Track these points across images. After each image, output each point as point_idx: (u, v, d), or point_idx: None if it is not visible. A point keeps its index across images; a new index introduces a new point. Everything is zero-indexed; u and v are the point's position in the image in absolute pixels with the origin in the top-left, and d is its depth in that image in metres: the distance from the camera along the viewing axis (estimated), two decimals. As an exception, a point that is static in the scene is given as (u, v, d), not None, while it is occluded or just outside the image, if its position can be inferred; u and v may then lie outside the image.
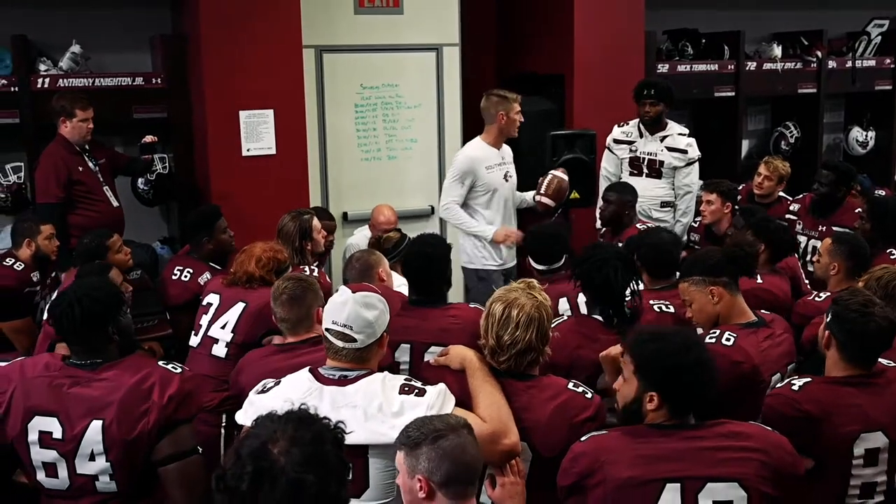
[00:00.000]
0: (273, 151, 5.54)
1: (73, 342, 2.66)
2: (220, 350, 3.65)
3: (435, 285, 3.34)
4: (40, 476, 2.62)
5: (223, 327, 3.64)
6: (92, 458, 2.57)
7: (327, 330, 2.56)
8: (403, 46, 6.06)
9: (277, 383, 2.58)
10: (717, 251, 3.46)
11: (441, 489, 2.10)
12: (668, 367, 2.31)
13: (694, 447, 2.26)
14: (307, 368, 2.57)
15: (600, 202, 5.74)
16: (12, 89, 5.26)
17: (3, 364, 2.75)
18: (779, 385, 2.77)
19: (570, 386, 2.65)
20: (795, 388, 2.67)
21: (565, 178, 5.23)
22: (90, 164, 5.09)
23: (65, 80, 5.36)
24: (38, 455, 2.59)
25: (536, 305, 2.58)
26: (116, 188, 5.28)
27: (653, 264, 3.66)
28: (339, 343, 2.53)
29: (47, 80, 5.33)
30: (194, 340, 3.74)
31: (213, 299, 3.77)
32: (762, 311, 3.27)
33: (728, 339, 2.98)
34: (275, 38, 5.45)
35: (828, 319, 2.75)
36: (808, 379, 2.70)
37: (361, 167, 6.04)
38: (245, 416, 2.56)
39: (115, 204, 5.15)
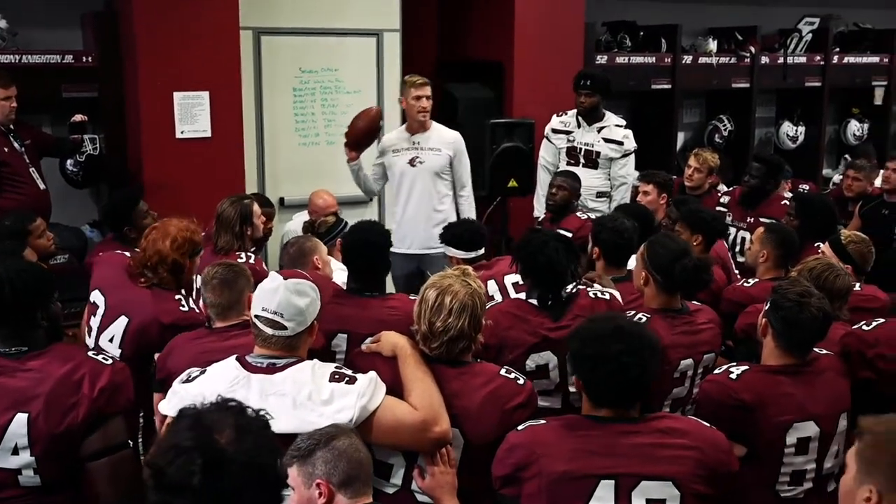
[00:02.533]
0: (208, 134, 5.44)
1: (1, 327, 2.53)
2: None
3: (378, 273, 3.33)
4: None
5: (111, 340, 3.35)
6: (15, 451, 2.46)
7: (256, 317, 2.51)
8: (344, 31, 6.00)
9: (203, 372, 2.51)
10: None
11: (340, 490, 2.12)
12: (588, 355, 2.32)
13: (629, 443, 2.27)
14: (234, 357, 2.51)
15: (539, 189, 5.79)
16: None
17: None
18: (716, 371, 2.80)
19: (503, 372, 2.65)
20: (733, 376, 2.70)
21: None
22: (15, 145, 4.94)
23: None
24: None
25: (470, 293, 2.58)
26: (43, 170, 5.14)
27: (613, 249, 3.65)
28: (269, 330, 2.48)
29: None
30: (89, 342, 3.46)
31: (98, 300, 3.43)
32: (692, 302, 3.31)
33: (640, 321, 2.99)
34: (211, 18, 5.34)
35: (766, 308, 2.80)
36: (746, 367, 2.74)
37: (299, 152, 5.98)
38: (169, 406, 2.49)
39: (42, 186, 5.01)
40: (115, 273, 3.48)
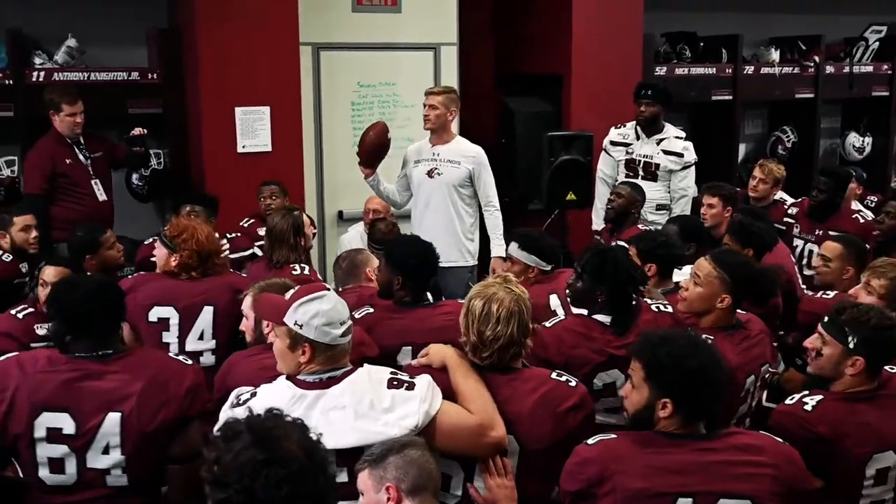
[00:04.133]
0: (269, 149, 5.51)
1: (87, 334, 2.63)
2: (208, 360, 3.47)
3: (430, 285, 3.32)
4: (42, 472, 2.57)
5: (200, 337, 3.47)
6: (106, 451, 2.56)
7: (327, 334, 2.44)
8: (401, 45, 6.03)
9: (253, 395, 2.47)
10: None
11: (409, 497, 2.12)
12: (682, 372, 2.27)
13: (707, 460, 2.23)
14: (283, 377, 2.48)
15: (597, 202, 5.73)
16: (7, 82, 5.25)
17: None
18: (789, 401, 2.68)
19: (554, 376, 2.61)
20: (808, 407, 2.59)
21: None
22: (80, 157, 5.07)
23: (59, 74, 5.34)
24: (45, 451, 2.55)
25: (515, 299, 2.56)
26: (112, 182, 5.26)
27: (668, 264, 3.60)
28: (346, 339, 2.46)
29: (42, 73, 5.31)
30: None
31: (165, 311, 3.47)
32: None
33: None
34: (272, 34, 5.42)
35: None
36: (820, 396, 2.62)
37: (357, 166, 6.01)
38: None
39: (102, 198, 5.12)
40: (163, 282, 3.54)
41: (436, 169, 5.04)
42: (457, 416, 2.43)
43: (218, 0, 5.31)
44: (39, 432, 2.54)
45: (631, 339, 2.91)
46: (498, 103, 6.51)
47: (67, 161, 5.00)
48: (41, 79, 5.29)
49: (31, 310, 3.53)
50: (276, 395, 2.39)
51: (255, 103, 5.44)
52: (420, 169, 5.07)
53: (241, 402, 2.44)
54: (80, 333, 2.63)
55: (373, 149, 4.97)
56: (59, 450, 2.55)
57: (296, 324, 2.40)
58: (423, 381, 2.45)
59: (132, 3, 5.70)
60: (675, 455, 2.24)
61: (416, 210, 5.16)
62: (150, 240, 4.21)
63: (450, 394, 2.50)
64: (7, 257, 4.47)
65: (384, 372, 2.50)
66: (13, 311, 3.54)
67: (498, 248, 4.93)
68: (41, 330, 3.42)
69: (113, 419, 2.54)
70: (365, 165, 5.01)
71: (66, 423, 2.53)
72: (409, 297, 3.30)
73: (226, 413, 2.41)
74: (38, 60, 5.39)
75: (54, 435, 2.53)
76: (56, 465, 2.56)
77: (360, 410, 2.36)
